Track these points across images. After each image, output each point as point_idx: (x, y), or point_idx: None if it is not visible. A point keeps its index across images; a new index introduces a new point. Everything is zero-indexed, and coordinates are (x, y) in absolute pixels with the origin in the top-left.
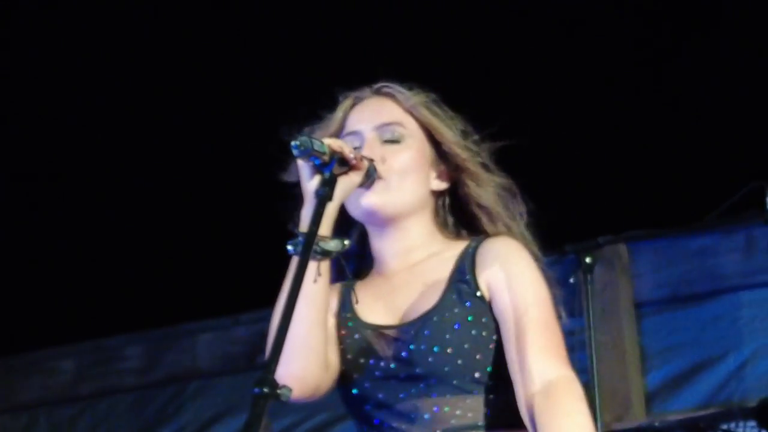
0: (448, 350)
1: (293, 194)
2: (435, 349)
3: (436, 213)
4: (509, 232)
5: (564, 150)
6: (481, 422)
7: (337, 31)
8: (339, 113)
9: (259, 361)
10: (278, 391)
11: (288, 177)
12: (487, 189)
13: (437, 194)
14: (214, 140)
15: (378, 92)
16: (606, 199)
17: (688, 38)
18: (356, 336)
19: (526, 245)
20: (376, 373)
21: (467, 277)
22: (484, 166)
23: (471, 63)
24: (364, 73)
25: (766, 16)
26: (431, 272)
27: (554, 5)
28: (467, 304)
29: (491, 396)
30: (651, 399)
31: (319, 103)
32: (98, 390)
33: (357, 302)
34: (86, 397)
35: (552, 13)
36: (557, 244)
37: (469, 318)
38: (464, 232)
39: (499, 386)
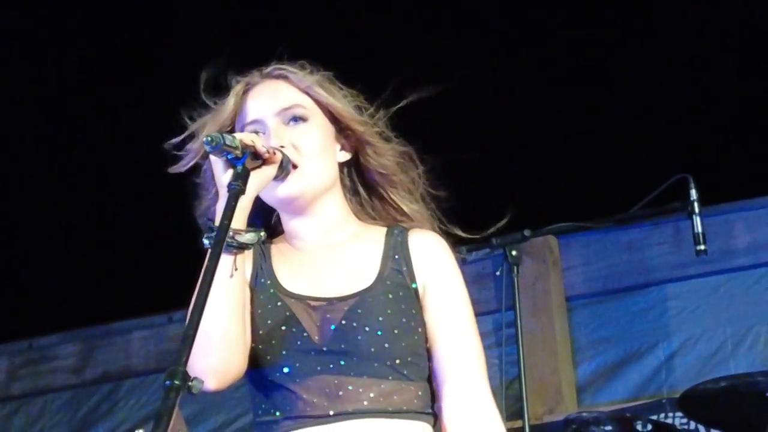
0: (378, 332)
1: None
2: (366, 328)
3: (344, 184)
4: (411, 198)
5: (491, 144)
6: (391, 408)
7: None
8: (231, 99)
9: None
10: (189, 383)
11: (189, 171)
12: (386, 156)
13: (342, 165)
14: (142, 136)
15: (270, 75)
16: (533, 192)
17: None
18: (279, 303)
19: (431, 215)
20: (298, 342)
21: (404, 269)
22: (382, 135)
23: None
24: (251, 55)
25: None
26: (358, 254)
27: None
28: (401, 292)
29: (404, 384)
30: (582, 391)
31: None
32: (31, 389)
33: (276, 268)
34: (19, 397)
35: None
36: (484, 238)
37: (402, 306)
38: (373, 208)
39: (412, 377)
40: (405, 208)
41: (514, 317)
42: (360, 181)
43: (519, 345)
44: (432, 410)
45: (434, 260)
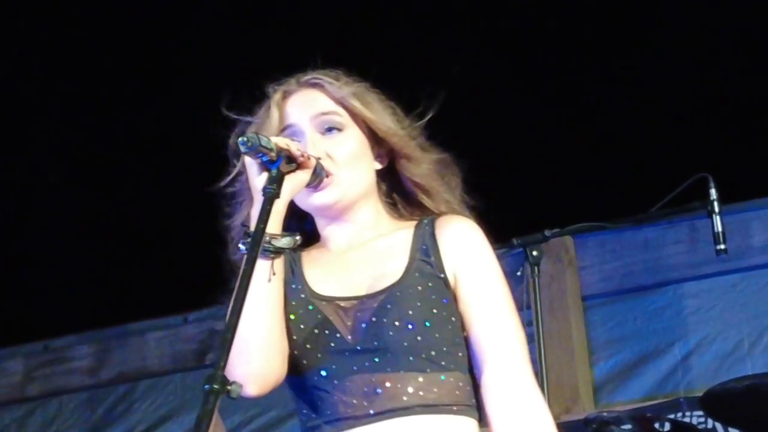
0: (409, 326)
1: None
2: (396, 323)
3: (380, 190)
4: (449, 208)
5: (509, 144)
6: (431, 402)
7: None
8: (274, 110)
9: (208, 360)
10: (228, 388)
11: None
12: (421, 167)
13: (378, 173)
14: (161, 137)
15: (306, 84)
16: (551, 192)
17: (631, 33)
18: (310, 307)
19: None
20: (332, 344)
21: (431, 258)
22: (419, 145)
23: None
24: (289, 65)
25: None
26: (387, 250)
27: None
28: (430, 283)
29: (443, 376)
30: (598, 390)
31: (248, 96)
32: (48, 390)
33: (306, 273)
34: (35, 398)
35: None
36: (504, 238)
37: (432, 297)
38: (409, 210)
39: (451, 367)
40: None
41: (534, 316)
42: (396, 187)
43: (539, 344)
44: (477, 400)
45: (462, 246)
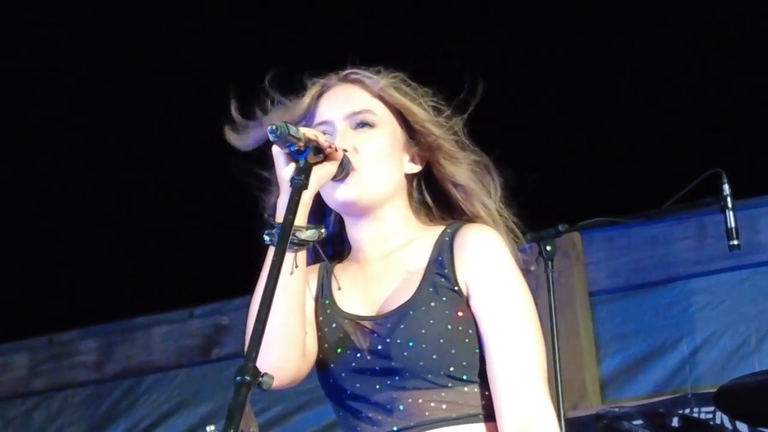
0: (423, 345)
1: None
2: (410, 343)
3: (411, 196)
4: (486, 212)
5: (518, 140)
6: (455, 414)
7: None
8: (306, 99)
9: (214, 355)
10: (260, 379)
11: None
12: (461, 167)
13: (411, 177)
14: (165, 136)
15: (345, 79)
16: (561, 188)
17: (643, 27)
18: (333, 325)
19: (503, 226)
20: (353, 364)
21: (445, 270)
22: (458, 143)
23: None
24: (330, 59)
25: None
26: (407, 262)
27: None
28: (443, 298)
29: (466, 389)
30: (606, 386)
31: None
32: (52, 385)
33: (339, 288)
34: (40, 392)
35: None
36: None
37: (446, 312)
38: (439, 214)
39: (474, 378)
40: (481, 215)
41: (548, 312)
42: (430, 195)
43: (553, 339)
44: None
45: (476, 257)
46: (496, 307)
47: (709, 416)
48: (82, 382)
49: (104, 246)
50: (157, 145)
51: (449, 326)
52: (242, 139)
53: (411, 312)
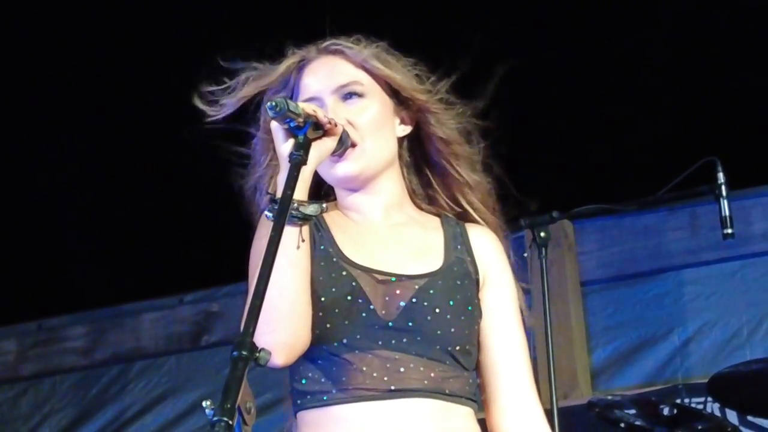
0: (447, 316)
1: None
2: (437, 309)
3: (403, 160)
4: (472, 179)
5: (512, 126)
6: (447, 391)
7: None
8: (281, 67)
9: (203, 341)
10: (257, 354)
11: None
12: (448, 123)
13: (401, 140)
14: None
15: (326, 51)
16: (554, 174)
17: (639, 16)
18: (343, 273)
19: (492, 212)
20: (362, 314)
21: (467, 258)
22: (444, 101)
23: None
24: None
25: None
26: (420, 237)
27: None
28: (467, 281)
29: (458, 372)
30: (596, 376)
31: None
32: (41, 370)
33: (336, 237)
34: (28, 377)
35: None
36: (512, 219)
37: (469, 294)
38: (431, 192)
39: (465, 365)
40: (467, 178)
41: (542, 300)
42: (420, 155)
43: (547, 326)
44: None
45: (493, 255)
46: (505, 305)
47: (700, 407)
48: (71, 367)
49: (94, 231)
50: (146, 131)
51: (469, 308)
52: (214, 106)
53: (440, 282)
